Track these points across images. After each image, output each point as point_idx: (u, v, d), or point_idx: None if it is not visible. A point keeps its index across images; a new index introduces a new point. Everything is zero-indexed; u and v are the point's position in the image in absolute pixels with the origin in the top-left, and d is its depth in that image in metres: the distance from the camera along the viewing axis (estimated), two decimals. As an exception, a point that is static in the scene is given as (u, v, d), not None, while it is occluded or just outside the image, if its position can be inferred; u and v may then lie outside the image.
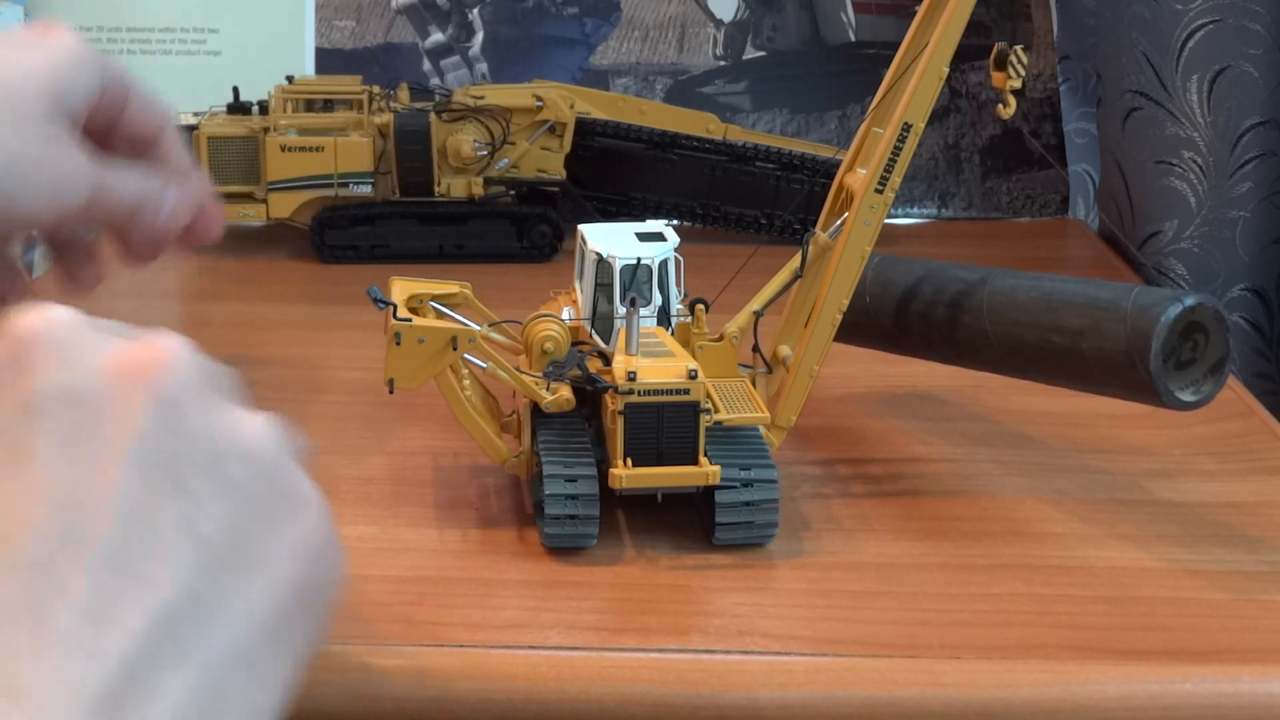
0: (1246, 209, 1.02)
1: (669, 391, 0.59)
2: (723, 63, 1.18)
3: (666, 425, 0.59)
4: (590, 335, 0.65)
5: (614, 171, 1.08)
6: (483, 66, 1.17)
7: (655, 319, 0.65)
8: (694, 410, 0.59)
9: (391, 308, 0.60)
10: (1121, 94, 1.05)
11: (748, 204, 1.07)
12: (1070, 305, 0.61)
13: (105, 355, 0.39)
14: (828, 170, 1.03)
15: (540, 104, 1.04)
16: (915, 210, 1.17)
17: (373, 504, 0.65)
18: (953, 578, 0.59)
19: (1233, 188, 1.02)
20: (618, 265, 0.64)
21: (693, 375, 0.59)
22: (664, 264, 0.65)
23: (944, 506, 0.66)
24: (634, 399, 0.59)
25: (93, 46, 0.66)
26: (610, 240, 0.65)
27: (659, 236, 0.66)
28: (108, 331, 0.41)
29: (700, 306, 0.66)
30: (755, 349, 0.66)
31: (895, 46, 0.65)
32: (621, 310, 0.63)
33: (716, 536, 0.61)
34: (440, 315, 0.63)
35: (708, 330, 0.66)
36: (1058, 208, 1.18)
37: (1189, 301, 0.58)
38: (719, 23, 1.18)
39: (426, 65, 1.18)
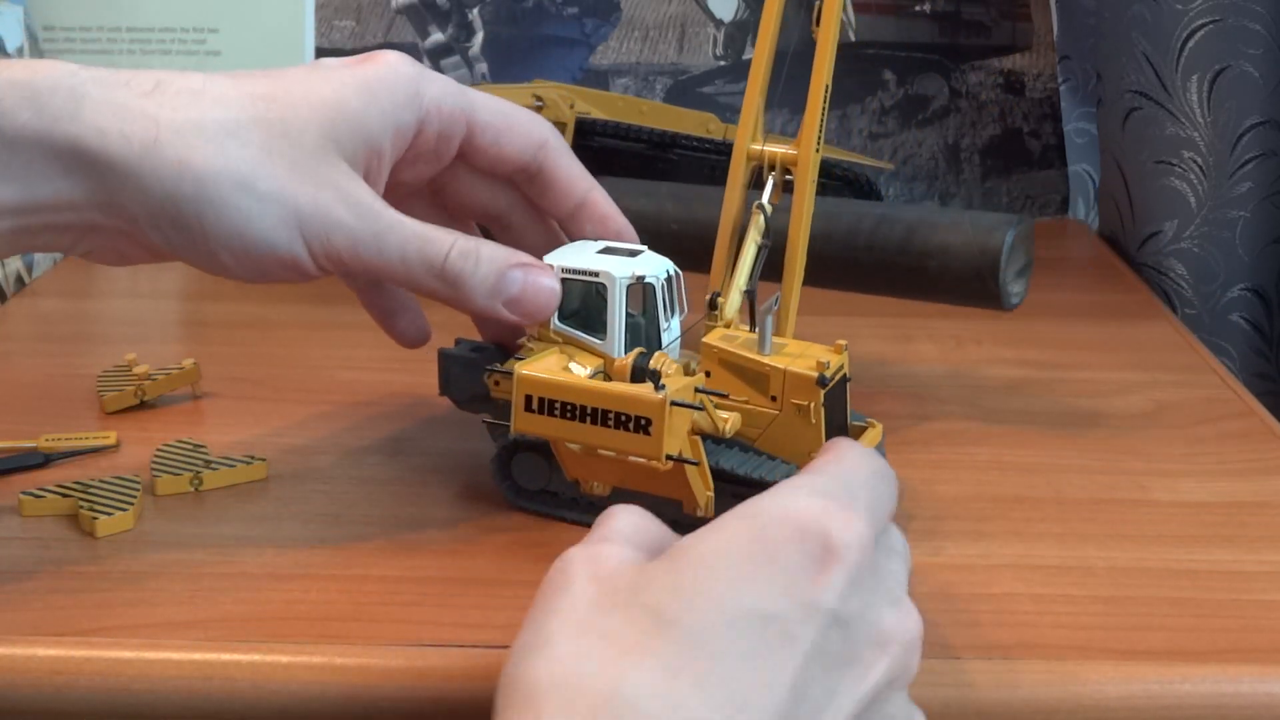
0: (1246, 209, 1.02)
1: (839, 372, 0.61)
2: (723, 63, 1.18)
3: (838, 405, 0.61)
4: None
5: (614, 171, 1.08)
6: (483, 66, 1.17)
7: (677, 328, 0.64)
8: (845, 384, 0.61)
9: (661, 388, 0.57)
10: (1121, 94, 1.05)
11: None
12: (918, 234, 0.72)
13: (880, 615, 0.45)
14: (827, 170, 1.03)
15: (540, 104, 1.04)
16: (915, 210, 1.17)
17: (372, 504, 0.65)
18: (952, 577, 0.59)
19: (1233, 188, 1.02)
20: (659, 284, 0.61)
21: (845, 349, 0.61)
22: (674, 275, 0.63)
23: (943, 506, 0.66)
24: (829, 388, 0.60)
25: (415, 74, 0.61)
26: (602, 264, 0.61)
27: (629, 251, 0.63)
28: (890, 592, 0.46)
29: (722, 299, 0.65)
30: (753, 325, 0.66)
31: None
32: (663, 324, 0.62)
33: None
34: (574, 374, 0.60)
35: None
36: (1058, 208, 1.18)
37: (1018, 223, 0.71)
38: (719, 23, 1.18)
39: (426, 65, 1.17)
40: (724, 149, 1.07)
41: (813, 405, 0.60)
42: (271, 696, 0.52)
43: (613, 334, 0.61)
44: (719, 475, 0.59)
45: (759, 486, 0.58)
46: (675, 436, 0.57)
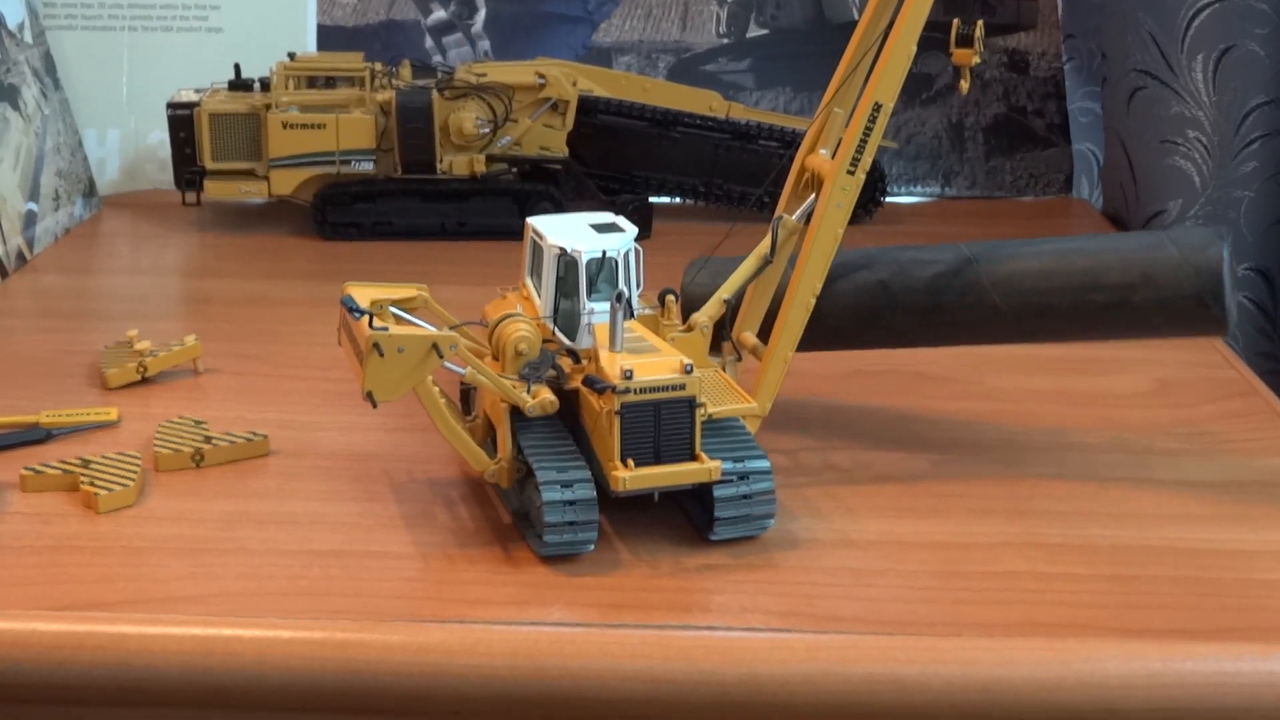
0: (1251, 189, 1.02)
1: (665, 388, 0.57)
2: (726, 40, 1.17)
3: (663, 423, 0.57)
4: (554, 333, 0.63)
5: (617, 149, 1.08)
6: (485, 43, 1.17)
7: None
8: (690, 406, 0.58)
9: (368, 316, 0.57)
10: (1126, 73, 1.05)
11: (751, 182, 1.07)
12: (1105, 264, 0.64)
13: None
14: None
15: (543, 81, 1.03)
16: (919, 189, 1.17)
17: (373, 480, 0.65)
18: (955, 555, 0.59)
19: (1237, 167, 1.02)
20: (584, 259, 0.61)
21: (688, 370, 0.57)
22: (626, 255, 0.63)
23: (946, 484, 0.66)
24: (630, 398, 0.57)
25: None
26: (568, 233, 0.63)
27: (615, 227, 0.64)
28: None
29: (671, 297, 0.64)
30: (727, 337, 0.65)
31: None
32: (588, 306, 0.61)
33: (716, 532, 0.59)
34: (400, 321, 0.61)
35: (678, 321, 0.64)
36: (1061, 186, 1.18)
37: (1225, 236, 0.62)
38: (722, 0, 1.17)
39: (429, 42, 1.17)
40: (726, 127, 1.07)
41: (603, 411, 0.57)
42: (273, 671, 0.52)
43: (545, 291, 0.62)
44: (519, 449, 0.59)
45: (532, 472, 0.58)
46: (391, 381, 0.57)
